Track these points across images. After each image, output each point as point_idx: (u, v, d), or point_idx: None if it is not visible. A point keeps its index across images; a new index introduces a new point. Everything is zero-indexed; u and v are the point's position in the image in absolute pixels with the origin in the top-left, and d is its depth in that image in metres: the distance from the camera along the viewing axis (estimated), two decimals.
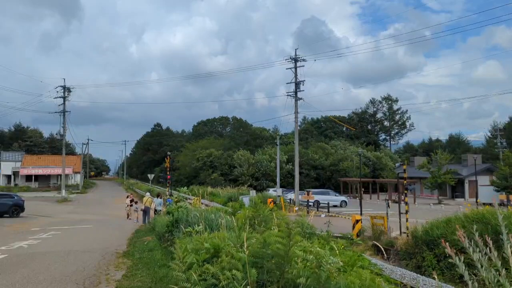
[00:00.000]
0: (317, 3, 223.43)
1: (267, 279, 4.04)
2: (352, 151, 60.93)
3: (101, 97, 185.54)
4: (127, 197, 29.11)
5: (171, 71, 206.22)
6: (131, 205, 26.75)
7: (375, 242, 13.56)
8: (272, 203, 29.60)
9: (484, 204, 30.93)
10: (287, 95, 35.67)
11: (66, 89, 49.24)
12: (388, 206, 18.43)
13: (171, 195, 25.49)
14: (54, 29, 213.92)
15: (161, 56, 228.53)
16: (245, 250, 4.05)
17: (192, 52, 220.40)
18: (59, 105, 49.00)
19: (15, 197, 28.06)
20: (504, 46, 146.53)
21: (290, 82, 35.32)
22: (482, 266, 2.57)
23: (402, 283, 8.42)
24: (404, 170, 18.08)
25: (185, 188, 18.37)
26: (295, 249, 4.01)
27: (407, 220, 15.62)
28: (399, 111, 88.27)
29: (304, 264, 4.10)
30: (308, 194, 33.54)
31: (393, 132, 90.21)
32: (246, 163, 56.95)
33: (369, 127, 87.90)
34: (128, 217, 26.65)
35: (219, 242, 5.16)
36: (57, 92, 49.19)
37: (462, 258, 2.70)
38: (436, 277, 3.51)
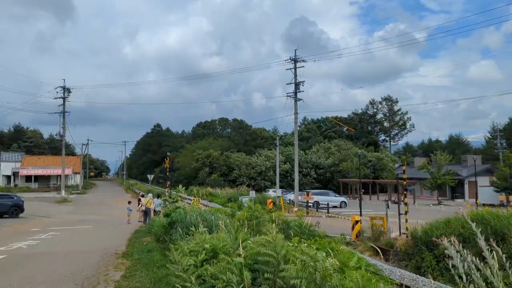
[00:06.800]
0: (316, 3, 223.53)
1: (262, 281, 4.04)
2: (353, 151, 60.98)
3: (99, 97, 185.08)
4: (142, 196, 26.60)
5: (168, 72, 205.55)
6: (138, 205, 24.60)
7: (375, 243, 13.55)
8: (271, 204, 29.61)
9: (484, 204, 30.95)
10: (287, 96, 35.64)
11: (66, 90, 49.25)
12: (388, 207, 18.46)
13: (158, 196, 24.13)
14: (50, 30, 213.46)
15: (157, 57, 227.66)
16: (241, 252, 4.05)
17: (189, 53, 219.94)
18: (59, 105, 48.96)
19: (15, 198, 27.99)
20: (500, 47, 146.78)
21: (290, 83, 35.27)
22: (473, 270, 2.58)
23: (401, 283, 8.40)
24: (404, 171, 18.10)
25: (181, 187, 18.20)
26: (289, 249, 3.99)
27: (406, 220, 15.62)
28: (399, 112, 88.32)
29: (302, 265, 4.10)
30: (307, 195, 33.53)
31: (393, 133, 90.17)
32: (243, 164, 57.19)
33: (369, 128, 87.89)
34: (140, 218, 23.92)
35: (217, 243, 5.16)
36: (57, 92, 49.17)
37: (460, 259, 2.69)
38: (431, 278, 3.50)
